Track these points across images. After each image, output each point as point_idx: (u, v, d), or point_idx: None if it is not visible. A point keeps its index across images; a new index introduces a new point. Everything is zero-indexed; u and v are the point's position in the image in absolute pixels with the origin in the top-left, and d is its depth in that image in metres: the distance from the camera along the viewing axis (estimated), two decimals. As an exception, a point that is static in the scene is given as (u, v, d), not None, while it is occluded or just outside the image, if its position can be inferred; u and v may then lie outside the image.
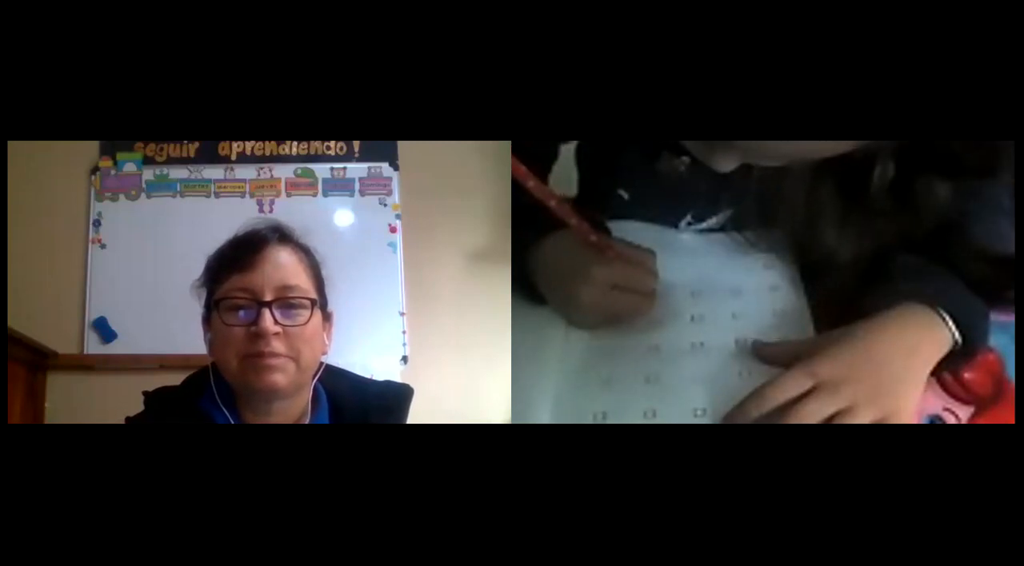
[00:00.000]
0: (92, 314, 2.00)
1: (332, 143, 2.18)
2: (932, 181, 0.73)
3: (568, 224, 0.76)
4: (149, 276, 2.00)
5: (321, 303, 0.76)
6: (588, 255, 0.77)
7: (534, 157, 0.92)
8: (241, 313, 0.72)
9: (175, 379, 0.79)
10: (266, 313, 0.71)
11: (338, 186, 2.16)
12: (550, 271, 0.80)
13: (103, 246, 2.06)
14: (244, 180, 2.14)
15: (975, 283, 0.73)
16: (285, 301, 0.72)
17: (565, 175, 1.00)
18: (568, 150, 0.98)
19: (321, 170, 2.16)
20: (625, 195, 0.91)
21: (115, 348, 1.99)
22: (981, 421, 0.74)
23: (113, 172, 2.11)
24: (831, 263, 0.78)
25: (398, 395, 0.83)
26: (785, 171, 0.76)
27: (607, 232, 0.84)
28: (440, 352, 2.04)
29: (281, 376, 0.71)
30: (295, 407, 0.76)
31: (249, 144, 2.17)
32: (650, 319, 0.81)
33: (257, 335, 0.70)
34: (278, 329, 0.71)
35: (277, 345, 0.71)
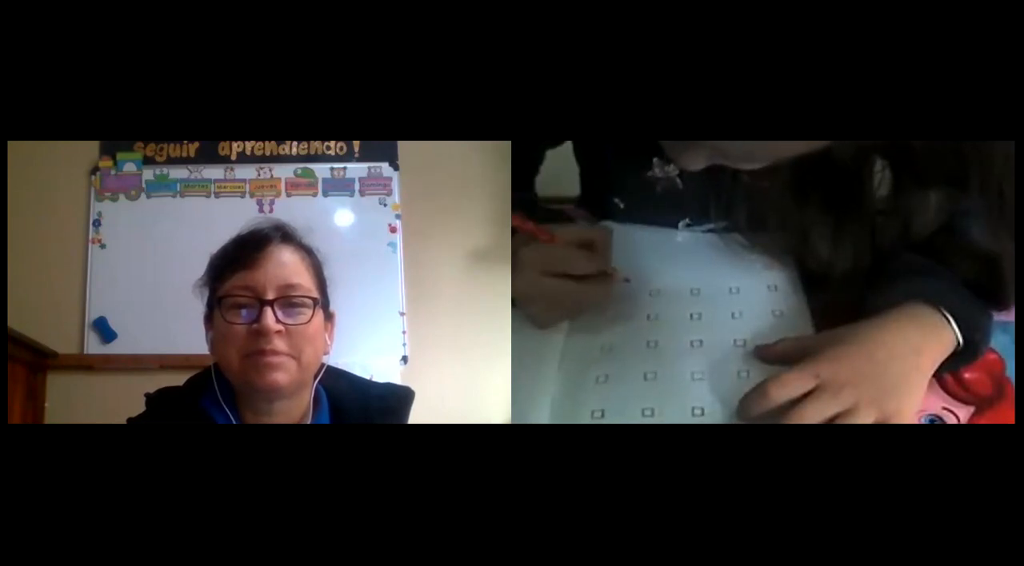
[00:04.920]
0: (92, 314, 2.00)
1: (332, 143, 2.18)
2: (921, 190, 0.73)
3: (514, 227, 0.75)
4: (149, 276, 2.00)
5: (323, 303, 0.76)
6: (523, 242, 0.75)
7: (520, 163, 0.93)
8: (243, 312, 0.72)
9: (175, 379, 0.79)
10: (268, 311, 0.71)
11: (338, 186, 2.16)
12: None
13: (103, 246, 2.05)
14: (244, 180, 2.14)
15: (966, 282, 0.74)
16: (287, 299, 0.72)
17: (553, 177, 1.01)
18: (553, 154, 0.98)
19: (321, 170, 2.16)
20: (621, 204, 0.91)
21: (115, 348, 1.98)
22: (981, 421, 0.74)
23: (113, 172, 2.11)
24: (829, 272, 0.78)
25: (399, 397, 0.83)
26: (774, 185, 0.76)
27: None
28: (440, 352, 2.04)
29: (283, 374, 0.71)
30: (296, 408, 0.76)
31: (249, 144, 2.16)
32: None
33: (259, 333, 0.70)
34: (280, 327, 0.71)
35: (279, 343, 0.71)
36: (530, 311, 0.79)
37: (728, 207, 0.84)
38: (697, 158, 0.66)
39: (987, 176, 0.69)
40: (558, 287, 0.74)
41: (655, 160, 0.83)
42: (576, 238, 0.76)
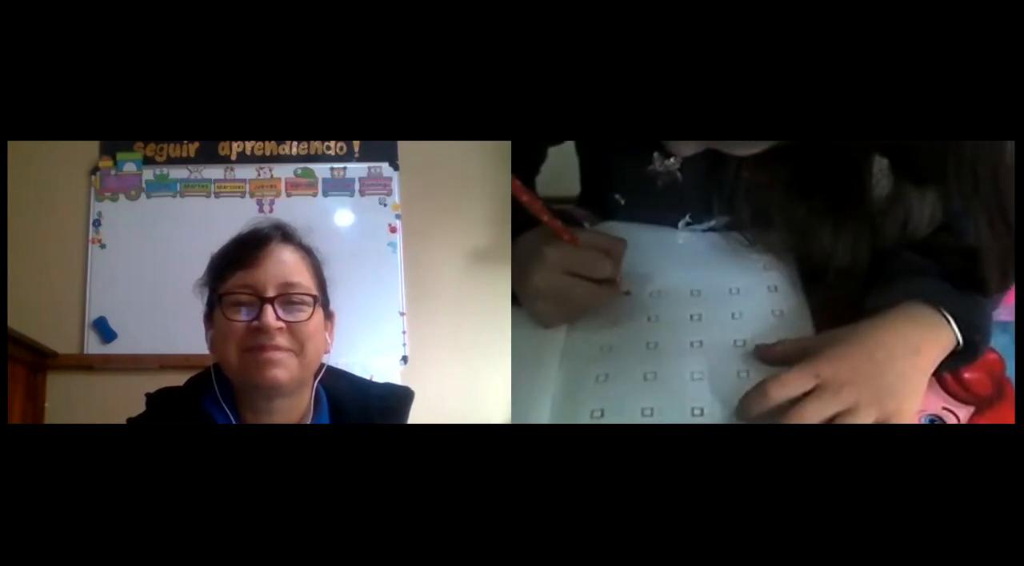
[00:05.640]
0: (92, 314, 2.00)
1: (332, 143, 2.18)
2: (919, 190, 0.73)
3: (544, 222, 0.76)
4: (149, 276, 2.00)
5: (323, 302, 0.76)
6: (548, 240, 0.76)
7: (523, 159, 0.93)
8: (244, 310, 0.72)
9: (175, 379, 0.79)
10: (268, 309, 0.71)
11: (338, 186, 2.16)
12: (514, 263, 0.79)
13: (103, 246, 2.05)
14: (244, 180, 2.14)
15: (957, 278, 0.73)
16: (287, 297, 0.72)
17: (554, 176, 1.01)
18: (554, 153, 0.99)
19: (321, 170, 2.16)
20: (621, 200, 0.91)
21: (115, 348, 1.99)
22: (981, 421, 0.74)
23: (113, 172, 2.11)
24: (829, 267, 0.78)
25: (399, 397, 0.83)
26: (775, 181, 0.76)
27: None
28: (440, 352, 2.04)
29: (283, 371, 0.71)
30: (296, 407, 0.76)
31: (249, 144, 2.16)
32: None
33: (259, 330, 0.71)
34: (281, 324, 0.71)
35: (280, 340, 0.71)
36: (539, 308, 0.79)
37: (729, 202, 0.84)
38: (689, 142, 0.67)
39: (960, 169, 0.68)
40: (575, 287, 0.76)
41: (655, 154, 0.83)
42: (597, 243, 0.78)
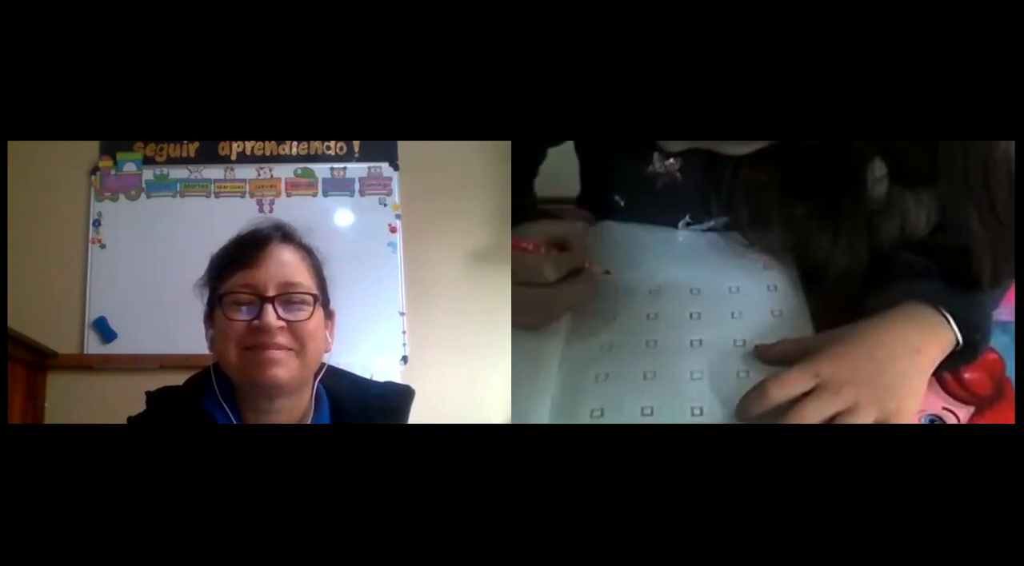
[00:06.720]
0: (92, 314, 2.00)
1: (332, 143, 2.18)
2: (915, 190, 0.73)
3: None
4: (149, 276, 2.00)
5: (323, 301, 0.76)
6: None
7: (522, 159, 0.93)
8: (244, 309, 0.72)
9: (175, 379, 0.79)
10: (269, 308, 0.71)
11: (338, 186, 2.16)
12: None
13: (103, 246, 2.06)
14: (244, 180, 2.14)
15: (955, 277, 0.73)
16: (287, 297, 0.73)
17: (554, 176, 1.00)
18: (554, 153, 0.98)
19: (321, 170, 2.16)
20: (621, 201, 0.91)
21: (115, 348, 1.99)
22: (981, 421, 0.74)
23: (113, 172, 2.11)
24: (828, 266, 0.78)
25: (399, 396, 0.83)
26: (774, 181, 0.76)
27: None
28: (440, 352, 2.04)
29: (283, 370, 0.71)
30: (297, 407, 0.76)
31: (249, 144, 2.17)
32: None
33: (260, 329, 0.71)
34: (281, 323, 0.71)
35: (280, 339, 0.71)
36: (519, 320, 0.79)
37: (728, 202, 0.84)
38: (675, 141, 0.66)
39: (951, 167, 0.67)
40: (531, 296, 0.75)
41: (655, 154, 0.83)
42: (550, 238, 0.75)
